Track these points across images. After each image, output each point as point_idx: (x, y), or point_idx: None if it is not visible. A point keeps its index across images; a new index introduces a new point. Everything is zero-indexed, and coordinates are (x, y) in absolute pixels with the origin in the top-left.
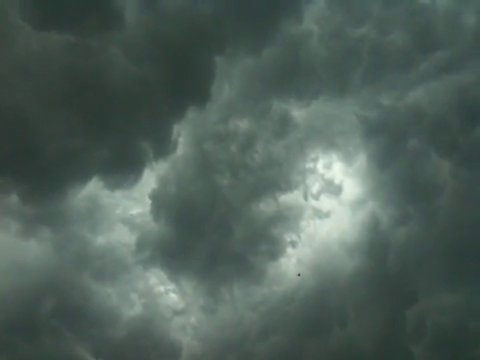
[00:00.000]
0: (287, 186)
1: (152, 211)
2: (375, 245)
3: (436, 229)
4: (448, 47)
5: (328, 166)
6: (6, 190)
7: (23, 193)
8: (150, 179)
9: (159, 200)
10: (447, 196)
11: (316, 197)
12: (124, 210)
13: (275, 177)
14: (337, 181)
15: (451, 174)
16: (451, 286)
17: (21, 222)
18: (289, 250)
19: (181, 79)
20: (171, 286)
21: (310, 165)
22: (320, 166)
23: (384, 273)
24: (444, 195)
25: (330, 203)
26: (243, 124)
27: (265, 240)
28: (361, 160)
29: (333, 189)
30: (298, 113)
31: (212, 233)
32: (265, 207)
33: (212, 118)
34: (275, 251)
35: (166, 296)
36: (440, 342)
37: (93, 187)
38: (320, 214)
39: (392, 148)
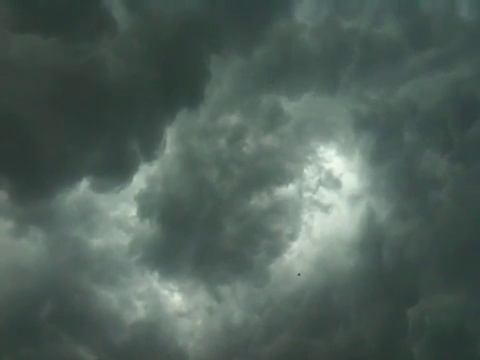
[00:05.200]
0: (283, 179)
1: (139, 212)
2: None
3: (434, 227)
4: (443, 44)
5: (322, 159)
6: None
7: (13, 191)
8: (140, 181)
9: (146, 201)
10: (444, 193)
11: (313, 191)
12: (115, 212)
13: (271, 170)
14: (335, 174)
15: (448, 170)
16: (450, 286)
17: (12, 221)
18: (290, 247)
19: (174, 81)
20: (169, 288)
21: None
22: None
23: (387, 271)
24: (441, 192)
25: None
26: (233, 119)
27: (265, 236)
28: (355, 154)
29: (330, 182)
30: (290, 107)
31: (203, 231)
32: (260, 201)
33: (204, 117)
34: (276, 247)
35: (166, 298)
36: (439, 341)
37: (83, 189)
38: (320, 207)
39: (386, 143)
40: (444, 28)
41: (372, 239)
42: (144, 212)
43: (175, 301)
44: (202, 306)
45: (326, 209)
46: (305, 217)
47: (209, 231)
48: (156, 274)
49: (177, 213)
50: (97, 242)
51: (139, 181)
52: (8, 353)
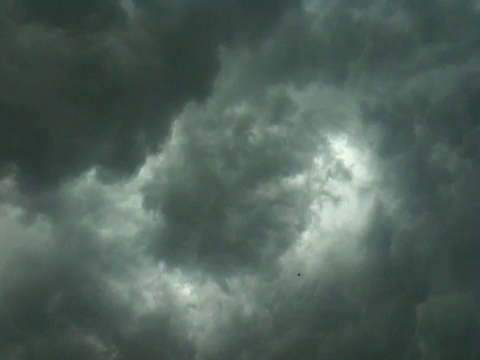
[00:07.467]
0: (291, 169)
1: (144, 204)
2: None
3: (444, 222)
4: (455, 37)
5: (332, 150)
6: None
7: (21, 179)
8: (147, 172)
9: (152, 192)
10: (454, 188)
11: (323, 181)
12: (124, 203)
13: (278, 160)
14: (346, 165)
15: (458, 165)
16: (459, 282)
17: (19, 208)
18: (299, 239)
19: (182, 72)
20: (178, 280)
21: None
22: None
23: (396, 266)
24: (450, 186)
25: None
26: (239, 109)
27: (272, 227)
28: (366, 145)
29: (340, 174)
30: (297, 97)
31: (209, 222)
32: (267, 192)
33: (211, 109)
34: (284, 239)
35: (176, 290)
36: (447, 339)
37: (90, 179)
38: (330, 198)
39: (395, 135)
40: (457, 21)
41: (381, 233)
42: (149, 203)
43: (185, 293)
44: (213, 299)
45: (336, 201)
46: (314, 208)
47: (215, 222)
48: (161, 265)
49: (183, 204)
50: (106, 232)
51: (145, 172)
52: (18, 343)
